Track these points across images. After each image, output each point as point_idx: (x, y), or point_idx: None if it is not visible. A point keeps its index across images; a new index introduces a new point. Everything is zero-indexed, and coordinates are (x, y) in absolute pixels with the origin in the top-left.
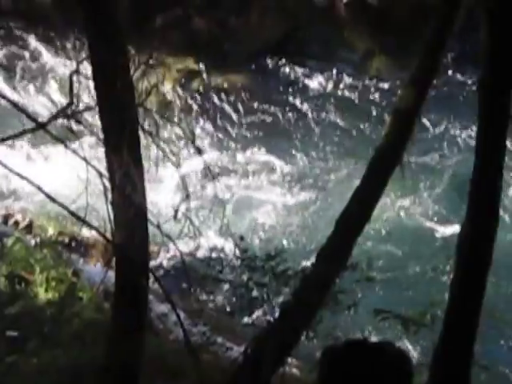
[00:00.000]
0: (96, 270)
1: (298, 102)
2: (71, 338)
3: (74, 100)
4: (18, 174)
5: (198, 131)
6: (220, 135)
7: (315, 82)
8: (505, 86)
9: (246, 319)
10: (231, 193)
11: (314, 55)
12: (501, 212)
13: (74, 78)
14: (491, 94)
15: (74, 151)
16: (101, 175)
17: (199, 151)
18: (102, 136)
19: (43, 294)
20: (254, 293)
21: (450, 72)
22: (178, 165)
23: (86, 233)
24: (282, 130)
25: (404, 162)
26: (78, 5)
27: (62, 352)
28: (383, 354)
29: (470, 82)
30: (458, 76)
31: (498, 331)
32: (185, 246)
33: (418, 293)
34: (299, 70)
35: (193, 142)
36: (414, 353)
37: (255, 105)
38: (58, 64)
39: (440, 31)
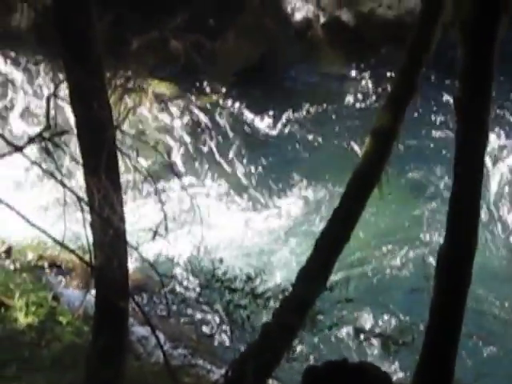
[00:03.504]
0: (76, 294)
1: (275, 124)
2: (51, 362)
3: (52, 123)
4: None
5: (175, 154)
6: (197, 158)
7: (293, 104)
8: (482, 105)
9: (226, 341)
10: (210, 215)
11: (291, 76)
12: (480, 233)
13: (51, 101)
14: (468, 114)
15: (52, 174)
16: (78, 198)
17: (176, 174)
18: (80, 159)
19: (23, 319)
20: (234, 315)
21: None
22: (155, 187)
23: (66, 256)
24: (261, 152)
25: (382, 182)
26: (54, 28)
27: (41, 376)
28: (364, 375)
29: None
30: (436, 94)
31: (478, 350)
32: (164, 267)
33: (397, 313)
34: (276, 92)
35: (170, 164)
36: (394, 372)
37: (232, 127)
38: (35, 87)
39: (416, 51)
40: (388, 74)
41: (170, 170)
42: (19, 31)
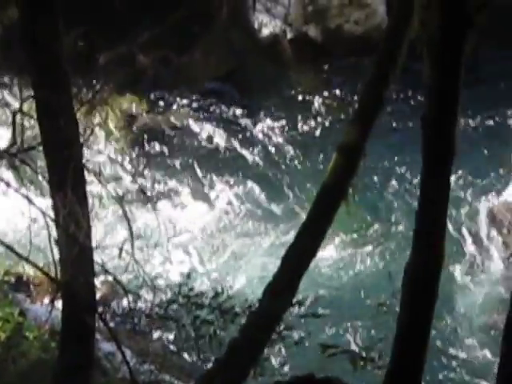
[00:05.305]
0: (42, 309)
1: (242, 141)
2: (18, 377)
3: (18, 139)
4: None
5: (142, 169)
6: (164, 174)
7: (260, 121)
8: (448, 124)
9: (193, 357)
10: (177, 230)
11: (259, 92)
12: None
13: (18, 117)
14: (435, 132)
15: (17, 190)
16: (44, 214)
17: (142, 190)
18: (46, 175)
19: None
20: (201, 330)
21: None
22: (121, 203)
23: (32, 272)
24: (227, 170)
25: (349, 197)
26: (21, 44)
27: None
28: None
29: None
30: (403, 109)
31: (444, 365)
32: (130, 284)
33: (364, 328)
34: (244, 109)
35: (135, 180)
36: None
37: (200, 144)
38: (1, 103)
39: (383, 67)
40: (356, 89)
41: (135, 185)
42: None
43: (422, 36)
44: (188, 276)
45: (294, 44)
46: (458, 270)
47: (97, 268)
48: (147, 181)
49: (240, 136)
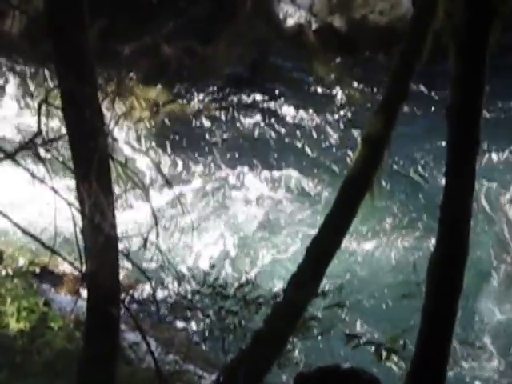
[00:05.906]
0: (67, 300)
1: (266, 129)
2: (43, 367)
3: (43, 129)
4: None
5: (167, 159)
6: (189, 163)
7: (284, 110)
8: (473, 114)
9: (217, 347)
10: (201, 221)
11: (283, 82)
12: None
13: (43, 107)
14: (460, 121)
15: (43, 181)
16: (69, 205)
17: (167, 180)
18: (71, 165)
19: (14, 324)
20: (226, 321)
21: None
22: (146, 193)
23: (57, 262)
24: (251, 158)
25: (374, 188)
26: (46, 34)
27: (33, 382)
28: (356, 381)
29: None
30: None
31: (469, 356)
32: (155, 274)
33: (389, 319)
34: (268, 98)
35: (160, 171)
36: (386, 379)
37: (224, 133)
38: (27, 93)
39: (408, 58)
40: (380, 80)
41: (160, 175)
42: (10, 37)
43: (447, 26)
44: (213, 266)
45: (319, 34)
46: (484, 264)
47: (122, 258)
48: (173, 170)
49: (263, 124)
